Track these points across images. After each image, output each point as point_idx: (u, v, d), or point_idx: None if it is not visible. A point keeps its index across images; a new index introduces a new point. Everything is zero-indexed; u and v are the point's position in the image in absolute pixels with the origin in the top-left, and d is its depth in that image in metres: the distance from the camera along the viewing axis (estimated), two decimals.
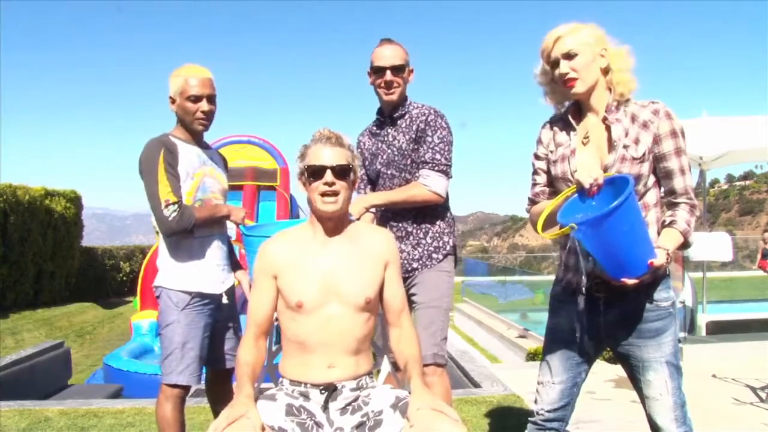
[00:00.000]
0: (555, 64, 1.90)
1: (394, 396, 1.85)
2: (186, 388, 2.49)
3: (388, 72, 2.53)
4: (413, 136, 2.55)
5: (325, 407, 1.86)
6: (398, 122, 2.61)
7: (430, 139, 2.53)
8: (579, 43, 1.86)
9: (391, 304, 1.99)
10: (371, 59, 2.58)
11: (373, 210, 2.62)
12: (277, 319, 2.02)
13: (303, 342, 1.89)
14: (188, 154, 2.51)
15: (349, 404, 1.87)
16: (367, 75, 2.62)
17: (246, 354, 1.91)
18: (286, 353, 1.96)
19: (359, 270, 1.92)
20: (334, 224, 1.95)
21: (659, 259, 1.74)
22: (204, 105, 2.49)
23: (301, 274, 1.90)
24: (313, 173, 1.89)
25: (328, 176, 1.87)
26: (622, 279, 1.74)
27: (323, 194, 1.88)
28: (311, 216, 1.98)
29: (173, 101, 2.51)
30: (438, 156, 2.52)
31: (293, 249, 1.94)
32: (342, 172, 1.89)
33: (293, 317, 1.90)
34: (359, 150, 2.75)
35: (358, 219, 2.39)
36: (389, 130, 2.63)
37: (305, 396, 1.87)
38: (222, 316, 2.62)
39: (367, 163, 2.73)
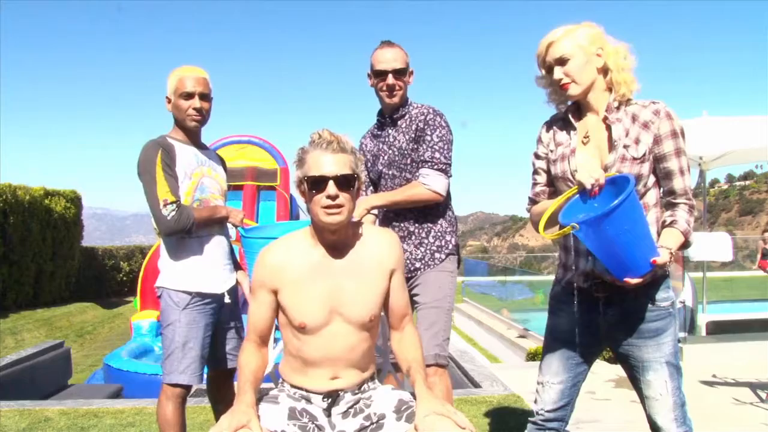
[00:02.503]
0: (550, 69, 1.91)
1: (397, 399, 1.82)
2: (187, 388, 2.50)
3: (390, 76, 2.53)
4: (413, 135, 2.56)
5: (327, 412, 1.84)
6: (398, 123, 2.61)
7: (429, 138, 2.53)
8: (571, 47, 1.87)
9: (395, 310, 1.93)
10: (372, 62, 2.57)
11: (375, 211, 2.62)
12: (277, 328, 1.99)
13: (305, 358, 1.83)
14: (185, 155, 2.52)
15: (350, 407, 1.85)
16: (366, 77, 2.62)
17: (248, 359, 1.84)
18: (287, 359, 1.91)
19: (364, 288, 1.83)
20: (337, 237, 1.83)
21: (662, 258, 1.74)
22: (196, 102, 2.51)
23: (304, 293, 1.80)
24: (314, 184, 1.74)
25: (331, 188, 1.72)
26: (626, 279, 1.74)
27: (326, 207, 1.74)
28: (312, 226, 1.86)
29: (169, 101, 2.54)
30: (437, 155, 2.52)
31: (294, 264, 1.82)
32: (345, 182, 1.74)
33: (295, 335, 1.83)
34: (361, 152, 2.75)
35: (360, 220, 2.39)
36: (390, 131, 2.64)
37: (307, 400, 1.84)
38: (224, 315, 2.63)
39: (369, 164, 2.73)
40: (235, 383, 2.87)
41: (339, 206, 1.73)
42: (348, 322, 1.81)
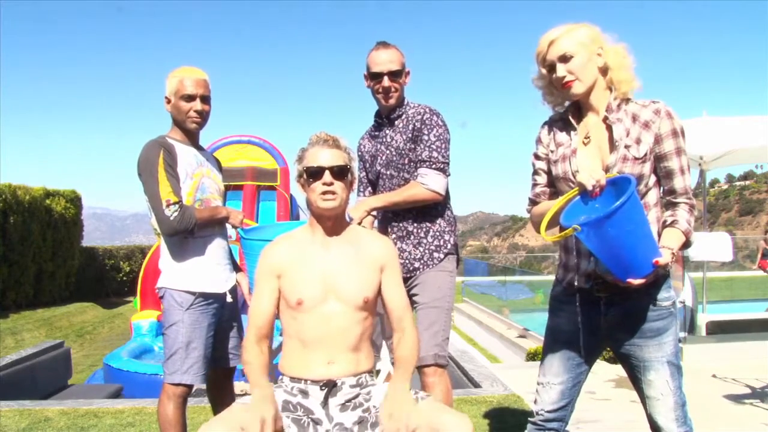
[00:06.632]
0: (551, 67, 1.90)
1: None
2: (189, 388, 2.50)
3: (386, 78, 2.53)
4: (410, 135, 2.56)
5: (324, 403, 1.88)
6: (396, 123, 2.62)
7: (426, 137, 2.53)
8: (574, 45, 1.86)
9: (391, 310, 2.01)
10: (367, 64, 2.57)
11: (374, 213, 2.62)
12: (278, 317, 2.03)
13: (303, 339, 1.92)
14: (186, 155, 2.53)
15: (349, 401, 1.88)
16: (363, 78, 2.62)
17: (251, 355, 1.91)
18: (286, 351, 1.98)
19: (357, 271, 1.96)
20: (333, 225, 1.99)
21: (664, 258, 1.74)
22: (197, 104, 2.52)
23: (302, 273, 1.94)
24: (312, 174, 1.94)
25: (327, 177, 1.92)
26: (628, 279, 1.74)
27: (322, 193, 1.92)
28: (311, 218, 2.02)
29: (168, 101, 2.55)
30: (435, 154, 2.52)
31: (295, 250, 1.99)
32: (340, 172, 1.94)
33: (294, 315, 1.93)
34: (359, 153, 2.76)
35: (360, 223, 2.39)
36: (387, 131, 2.64)
37: (304, 393, 1.89)
38: (225, 315, 2.63)
39: (367, 165, 2.73)
40: (236, 382, 2.88)
41: (334, 192, 1.92)
42: (342, 301, 1.92)
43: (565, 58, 1.86)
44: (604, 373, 5.17)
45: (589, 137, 1.93)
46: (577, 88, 1.88)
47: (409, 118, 2.58)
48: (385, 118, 2.65)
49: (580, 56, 1.86)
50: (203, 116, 2.56)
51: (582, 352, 2.00)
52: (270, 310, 1.97)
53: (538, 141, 2.08)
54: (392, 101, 2.57)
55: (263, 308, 1.97)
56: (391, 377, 1.94)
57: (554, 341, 2.05)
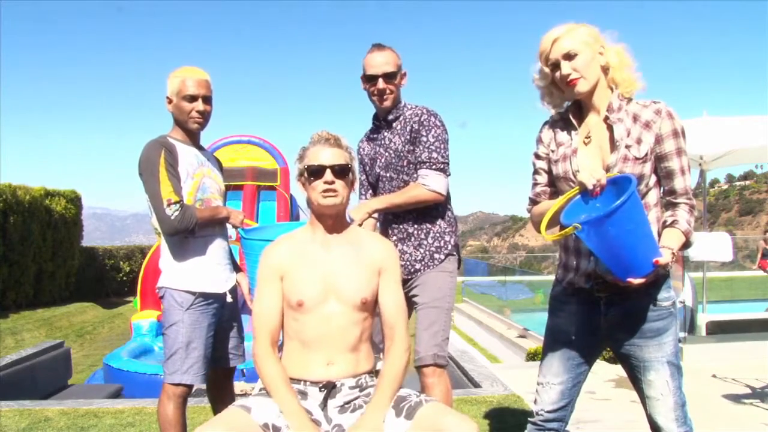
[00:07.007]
0: (555, 65, 1.89)
1: (396, 396, 1.85)
2: (189, 388, 2.50)
3: (380, 80, 2.53)
4: (408, 137, 2.56)
5: (323, 405, 1.87)
6: (393, 125, 2.62)
7: (425, 138, 2.53)
8: (578, 43, 1.86)
9: (384, 315, 1.98)
10: (363, 66, 2.58)
11: (375, 215, 2.61)
12: None
13: (303, 339, 1.91)
14: (187, 155, 2.53)
15: (348, 402, 1.88)
16: (360, 80, 2.62)
17: (269, 365, 1.88)
18: (286, 352, 1.97)
19: (357, 271, 1.95)
20: (334, 223, 1.98)
21: (665, 258, 1.74)
22: (199, 105, 2.52)
23: (303, 274, 1.93)
24: (313, 173, 1.93)
25: (328, 175, 1.91)
26: (628, 279, 1.74)
27: (324, 191, 1.91)
28: (311, 218, 2.01)
29: (170, 101, 2.55)
30: (434, 155, 2.52)
31: (296, 251, 1.98)
32: (341, 171, 1.94)
33: (294, 316, 1.92)
34: (359, 155, 2.76)
35: (361, 225, 2.39)
36: (385, 133, 2.64)
37: (303, 394, 1.88)
38: (225, 314, 2.63)
39: (367, 168, 2.74)
40: (236, 382, 2.87)
41: (335, 191, 1.92)
42: (342, 301, 1.91)
43: (569, 56, 1.86)
44: (604, 373, 5.17)
45: (589, 137, 1.94)
46: (582, 86, 1.88)
47: (407, 120, 2.58)
48: (382, 121, 2.65)
49: (585, 54, 1.86)
50: (205, 117, 2.57)
51: (582, 352, 2.00)
52: (279, 312, 1.94)
53: (539, 140, 2.08)
54: (387, 103, 2.57)
55: (272, 311, 1.94)
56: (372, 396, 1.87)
57: (554, 341, 2.05)
